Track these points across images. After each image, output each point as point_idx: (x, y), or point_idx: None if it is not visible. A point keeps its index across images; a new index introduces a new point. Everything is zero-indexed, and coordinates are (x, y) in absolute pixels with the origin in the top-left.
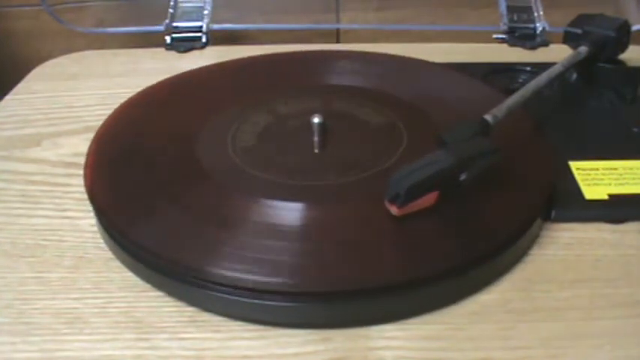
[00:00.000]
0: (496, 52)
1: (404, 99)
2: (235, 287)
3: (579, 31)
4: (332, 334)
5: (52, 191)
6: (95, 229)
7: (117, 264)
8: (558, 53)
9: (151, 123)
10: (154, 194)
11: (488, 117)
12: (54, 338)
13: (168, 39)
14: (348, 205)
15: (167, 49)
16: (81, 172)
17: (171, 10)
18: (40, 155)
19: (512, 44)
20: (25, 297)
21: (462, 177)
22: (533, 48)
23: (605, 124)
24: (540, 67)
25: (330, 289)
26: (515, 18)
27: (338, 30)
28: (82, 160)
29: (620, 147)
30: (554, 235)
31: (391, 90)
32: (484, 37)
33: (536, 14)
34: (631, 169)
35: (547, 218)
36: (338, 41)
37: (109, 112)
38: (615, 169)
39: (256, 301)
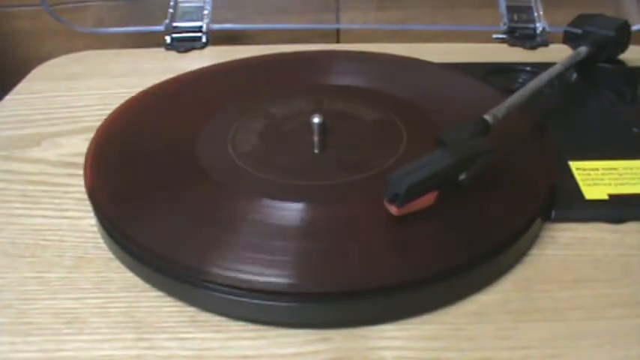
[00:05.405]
0: (496, 52)
1: (404, 99)
2: (235, 287)
3: (579, 31)
4: (332, 334)
5: (52, 191)
6: (95, 229)
7: (117, 264)
8: (558, 53)
9: (151, 123)
10: (154, 194)
11: (487, 117)
12: (54, 338)
13: (168, 39)
14: (348, 205)
15: (167, 49)
16: (81, 172)
17: (171, 10)
18: (40, 155)
19: (512, 44)
20: (25, 297)
21: (461, 177)
22: (533, 48)
23: (605, 124)
24: (540, 67)
25: (330, 289)
26: (515, 18)
27: (338, 30)
28: (82, 160)
29: (620, 147)
30: (554, 235)
31: (391, 90)
32: (484, 37)
33: (536, 14)
34: (631, 169)
35: (547, 218)
36: (338, 41)
37: (109, 112)
38: (615, 169)
39: (256, 301)
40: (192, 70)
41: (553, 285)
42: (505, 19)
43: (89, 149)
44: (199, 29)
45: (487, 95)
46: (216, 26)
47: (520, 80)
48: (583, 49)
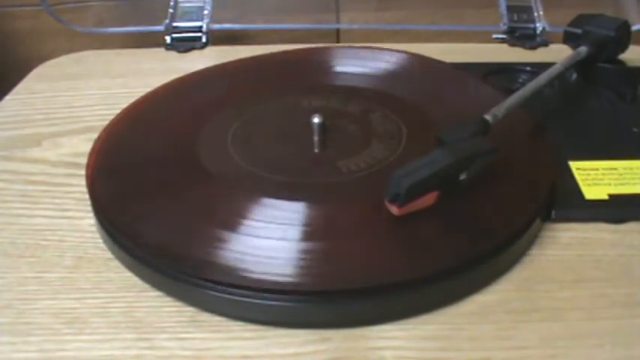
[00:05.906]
0: (496, 52)
1: (404, 98)
2: (235, 287)
3: (579, 31)
4: (332, 334)
5: (52, 191)
6: (95, 229)
7: (117, 264)
8: (558, 53)
9: (153, 124)
10: (155, 194)
11: (487, 117)
12: (54, 338)
13: (168, 39)
14: (348, 205)
15: (167, 49)
16: (81, 172)
17: (171, 10)
18: (40, 155)
19: (512, 44)
20: (25, 297)
21: (462, 177)
22: (533, 48)
23: (605, 124)
24: (540, 67)
25: (330, 288)
26: (515, 18)
27: (338, 30)
28: (82, 160)
29: (620, 147)
30: (554, 235)
31: (391, 90)
32: (484, 37)
33: (536, 14)
34: (631, 169)
35: (547, 218)
36: (338, 41)
37: (110, 112)
38: (615, 169)
39: (256, 301)
40: (196, 70)
41: (553, 285)
42: (505, 19)
43: (92, 149)
44: (199, 29)
45: (487, 95)
46: (216, 26)
47: (520, 80)
48: (583, 49)
